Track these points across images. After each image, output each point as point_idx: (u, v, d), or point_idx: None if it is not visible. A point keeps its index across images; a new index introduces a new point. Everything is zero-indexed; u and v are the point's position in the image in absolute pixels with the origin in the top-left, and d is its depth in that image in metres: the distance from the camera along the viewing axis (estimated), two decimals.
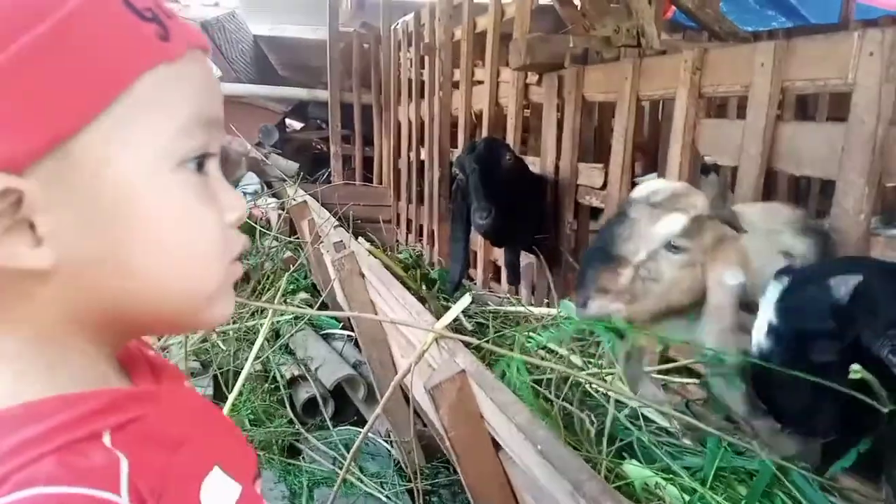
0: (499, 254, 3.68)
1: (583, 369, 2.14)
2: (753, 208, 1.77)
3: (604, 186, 2.72)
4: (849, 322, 1.20)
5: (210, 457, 0.58)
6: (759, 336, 1.31)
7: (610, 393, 1.82)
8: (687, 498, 1.43)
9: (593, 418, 1.76)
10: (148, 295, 0.54)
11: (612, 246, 1.54)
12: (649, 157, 4.47)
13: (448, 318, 1.76)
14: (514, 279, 3.33)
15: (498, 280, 3.80)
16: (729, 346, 1.51)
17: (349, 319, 3.43)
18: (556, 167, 3.07)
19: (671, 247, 1.52)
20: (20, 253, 0.48)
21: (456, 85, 4.36)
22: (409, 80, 5.21)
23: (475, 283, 3.99)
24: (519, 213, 2.91)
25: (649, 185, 1.64)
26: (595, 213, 3.07)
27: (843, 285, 1.21)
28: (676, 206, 1.52)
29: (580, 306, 1.56)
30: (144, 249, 0.52)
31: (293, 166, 6.32)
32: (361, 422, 3.02)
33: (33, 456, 0.46)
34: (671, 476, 1.52)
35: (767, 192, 2.03)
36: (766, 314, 1.31)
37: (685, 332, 1.66)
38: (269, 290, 3.94)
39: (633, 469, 1.54)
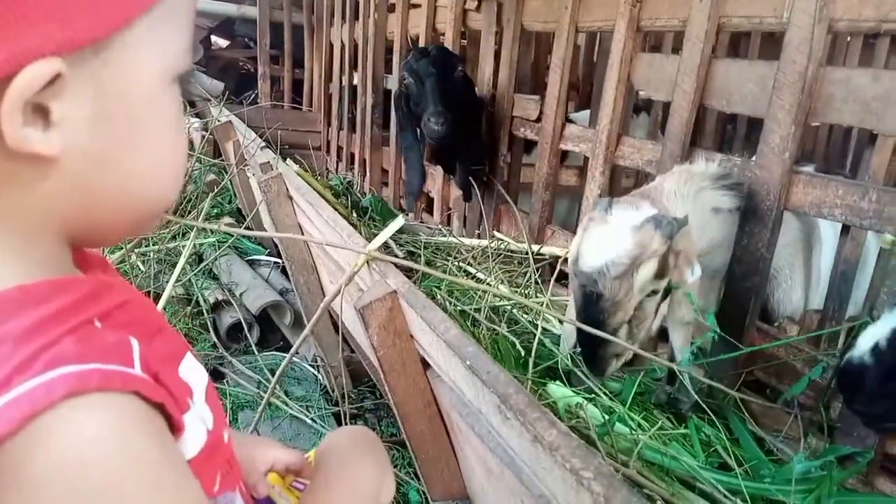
0: (431, 185, 3.65)
1: (510, 299, 2.18)
2: (671, 177, 1.75)
3: (538, 119, 2.72)
4: None
5: (180, 343, 0.65)
6: (863, 345, 1.28)
7: (537, 318, 1.86)
8: (606, 417, 1.49)
9: (518, 346, 1.80)
10: (130, 198, 0.57)
11: (605, 325, 1.49)
12: (583, 95, 4.50)
13: (380, 239, 1.74)
14: (467, 196, 3.22)
15: (430, 211, 3.78)
16: (688, 336, 1.58)
17: (276, 246, 3.36)
18: (493, 97, 3.04)
19: (651, 293, 1.51)
20: (30, 135, 0.49)
21: (392, 8, 4.21)
22: (343, 0, 5.00)
23: (407, 214, 3.96)
24: (465, 131, 2.85)
25: (597, 251, 1.49)
26: (528, 146, 3.07)
27: None
28: (640, 263, 1.46)
29: (598, 375, 1.58)
30: (142, 153, 0.56)
31: (218, 86, 6.04)
32: (287, 348, 3.00)
33: (54, 336, 0.48)
34: (592, 396, 1.58)
35: (696, 133, 2.07)
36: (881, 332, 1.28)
37: None
38: (191, 213, 3.80)
39: (556, 389, 1.59)
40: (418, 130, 2.94)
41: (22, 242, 0.53)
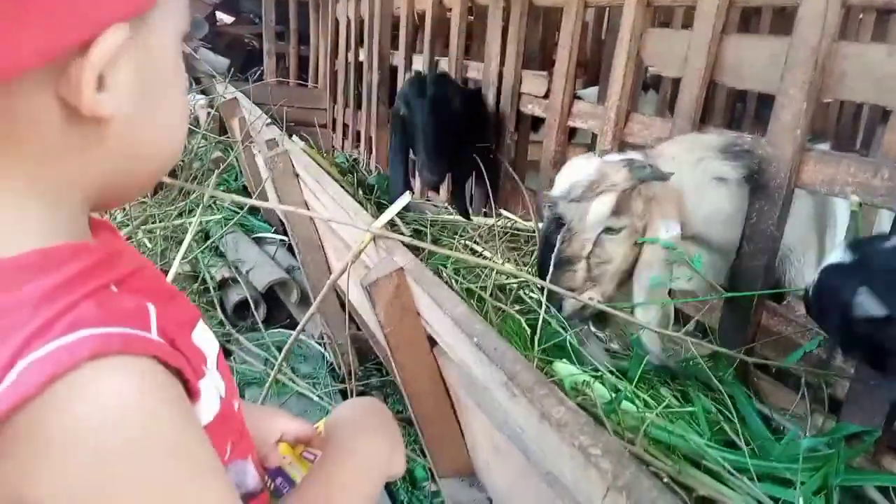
0: None
1: (516, 276, 2.17)
2: (676, 144, 1.76)
3: (546, 95, 2.69)
4: None
5: (193, 310, 0.65)
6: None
7: (541, 291, 1.85)
8: (612, 395, 1.49)
9: (524, 324, 1.80)
10: (153, 157, 0.60)
11: (560, 251, 1.58)
12: (592, 72, 4.45)
13: (386, 217, 1.73)
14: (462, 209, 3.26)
15: (436, 189, 3.77)
16: (656, 304, 1.56)
17: (282, 223, 3.36)
18: (500, 74, 3.01)
19: (608, 229, 1.56)
20: (101, 99, 0.50)
21: None
22: None
23: (413, 192, 3.95)
24: (463, 149, 2.83)
25: (565, 179, 1.62)
26: (536, 124, 3.05)
27: None
28: (599, 192, 1.53)
29: (558, 310, 1.64)
30: (165, 112, 0.58)
31: (223, 62, 6.00)
32: (294, 325, 3.01)
33: (72, 300, 0.48)
34: (599, 375, 1.58)
35: (706, 110, 2.05)
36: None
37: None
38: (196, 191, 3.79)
39: (563, 367, 1.59)
40: (410, 150, 2.91)
41: (48, 208, 0.54)
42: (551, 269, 1.59)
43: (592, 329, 1.89)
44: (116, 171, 0.57)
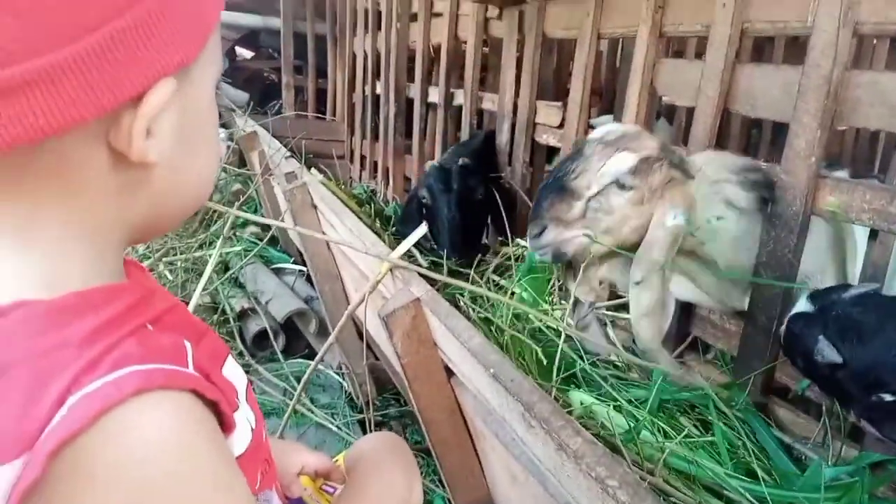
0: None
1: (533, 305, 2.17)
2: (704, 155, 1.80)
3: (561, 125, 2.72)
4: None
5: (222, 345, 0.68)
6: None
7: (559, 327, 1.86)
8: (631, 424, 1.49)
9: (541, 354, 1.79)
10: (188, 196, 0.64)
11: (566, 180, 1.62)
12: (606, 101, 4.49)
13: (403, 247, 1.75)
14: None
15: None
16: (653, 279, 1.57)
17: (300, 255, 3.39)
18: (515, 105, 3.04)
19: (620, 184, 1.59)
20: (148, 146, 0.54)
21: (414, 17, 4.24)
22: (366, 11, 5.04)
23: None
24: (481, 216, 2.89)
25: (605, 127, 1.70)
26: (550, 154, 3.07)
27: None
28: (627, 146, 1.59)
29: (534, 236, 1.63)
30: (199, 156, 0.62)
31: (243, 96, 6.12)
32: (313, 355, 3.02)
33: (113, 340, 0.51)
34: (618, 404, 1.57)
35: (721, 137, 2.06)
36: None
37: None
38: (216, 221, 3.85)
39: (579, 396, 1.58)
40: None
41: (91, 251, 0.57)
42: (549, 188, 1.65)
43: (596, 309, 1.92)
44: (154, 213, 0.61)
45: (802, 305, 1.38)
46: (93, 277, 0.56)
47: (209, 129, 0.64)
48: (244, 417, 0.64)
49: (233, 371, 0.66)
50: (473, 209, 2.77)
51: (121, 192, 0.57)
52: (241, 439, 0.62)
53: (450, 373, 1.56)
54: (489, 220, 3.14)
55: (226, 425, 0.58)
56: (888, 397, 1.20)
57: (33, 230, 0.54)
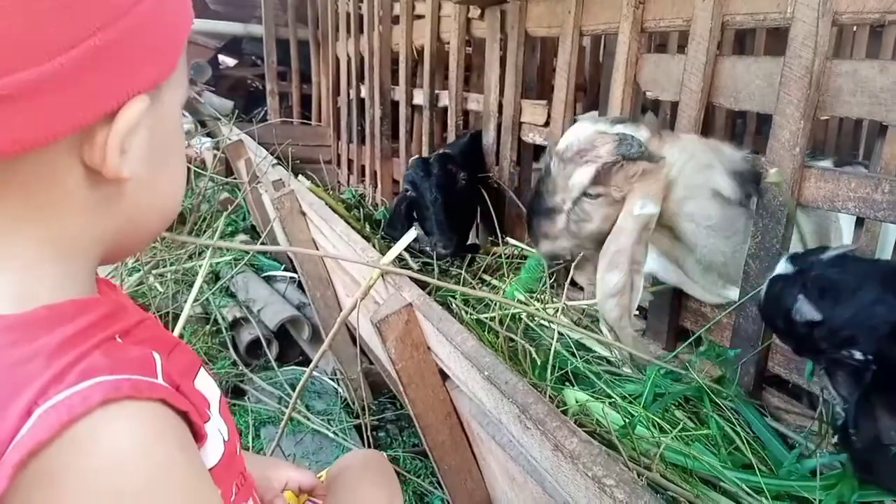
0: None
1: (525, 304, 2.18)
2: (697, 141, 1.81)
3: (547, 123, 2.72)
4: None
5: (194, 357, 0.68)
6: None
7: (552, 325, 1.86)
8: (626, 421, 1.49)
9: (535, 354, 1.80)
10: (158, 213, 0.65)
11: (544, 199, 1.78)
12: (591, 97, 4.49)
13: (393, 252, 1.75)
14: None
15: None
16: (621, 261, 1.62)
17: (291, 261, 3.39)
18: (500, 105, 3.05)
19: (587, 195, 1.70)
20: (112, 160, 0.55)
21: (396, 20, 4.24)
22: (348, 14, 5.04)
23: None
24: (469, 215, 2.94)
25: (567, 137, 1.77)
26: (537, 152, 3.08)
27: None
28: (585, 160, 1.68)
29: (535, 247, 1.85)
30: (168, 173, 0.64)
31: (227, 104, 6.10)
32: (306, 362, 3.02)
33: (81, 351, 0.52)
34: (612, 401, 1.58)
35: (706, 129, 2.07)
36: None
37: None
38: (205, 231, 3.84)
39: (574, 394, 1.59)
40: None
41: (64, 264, 0.58)
42: (535, 207, 1.79)
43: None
44: (126, 228, 0.62)
45: (782, 267, 1.41)
46: (64, 290, 0.57)
47: (177, 147, 0.65)
48: (216, 429, 0.64)
49: (205, 383, 0.67)
50: (457, 193, 2.80)
51: (94, 208, 0.58)
52: (213, 451, 0.63)
53: (444, 376, 1.56)
54: (478, 219, 3.15)
55: (197, 436, 0.58)
56: (857, 355, 1.22)
57: (9, 247, 0.55)
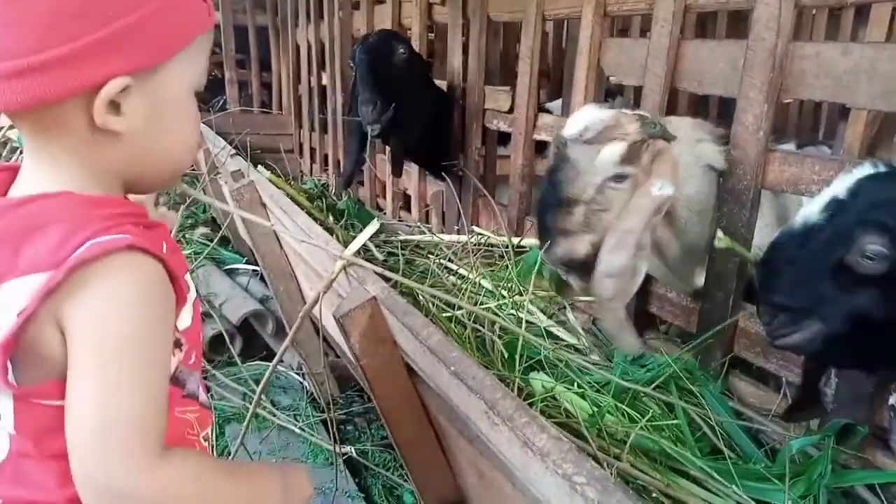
0: (408, 182, 3.61)
1: (492, 293, 2.15)
2: (684, 120, 1.80)
3: (511, 110, 2.69)
4: None
5: (185, 262, 0.97)
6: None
7: (520, 314, 1.84)
8: (595, 409, 1.47)
9: (501, 346, 1.76)
10: (164, 161, 0.90)
11: (561, 190, 1.58)
12: (555, 82, 4.47)
13: (356, 244, 1.70)
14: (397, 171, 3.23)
15: (408, 209, 3.74)
16: (627, 248, 1.55)
17: (253, 255, 3.31)
18: (463, 91, 3.00)
19: (615, 177, 1.56)
20: (108, 119, 0.80)
21: (357, 5, 4.16)
22: (307, 0, 4.93)
23: (384, 213, 3.92)
24: (415, 118, 2.80)
25: (578, 120, 1.63)
26: (503, 138, 3.04)
27: None
28: (612, 137, 1.55)
29: (546, 251, 1.60)
30: (172, 134, 0.88)
31: None
32: (271, 357, 2.95)
33: (121, 221, 0.81)
34: (581, 390, 1.56)
35: (670, 113, 2.06)
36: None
37: None
38: None
39: (540, 380, 1.57)
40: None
41: (100, 183, 0.85)
42: (548, 200, 1.60)
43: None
44: (132, 169, 0.87)
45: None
46: (98, 190, 0.84)
47: (181, 115, 0.88)
48: (191, 303, 0.93)
49: (188, 281, 0.94)
50: (393, 66, 2.71)
51: (98, 146, 0.82)
52: (186, 315, 0.92)
53: (412, 371, 1.53)
54: (443, 202, 3.09)
55: (180, 298, 0.86)
56: None
57: (63, 168, 0.83)
